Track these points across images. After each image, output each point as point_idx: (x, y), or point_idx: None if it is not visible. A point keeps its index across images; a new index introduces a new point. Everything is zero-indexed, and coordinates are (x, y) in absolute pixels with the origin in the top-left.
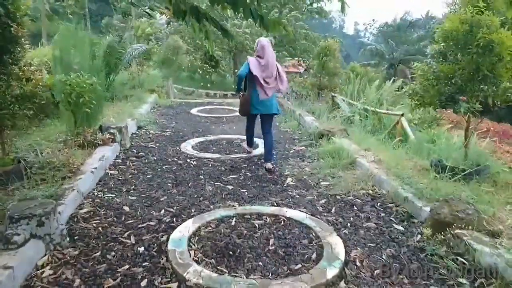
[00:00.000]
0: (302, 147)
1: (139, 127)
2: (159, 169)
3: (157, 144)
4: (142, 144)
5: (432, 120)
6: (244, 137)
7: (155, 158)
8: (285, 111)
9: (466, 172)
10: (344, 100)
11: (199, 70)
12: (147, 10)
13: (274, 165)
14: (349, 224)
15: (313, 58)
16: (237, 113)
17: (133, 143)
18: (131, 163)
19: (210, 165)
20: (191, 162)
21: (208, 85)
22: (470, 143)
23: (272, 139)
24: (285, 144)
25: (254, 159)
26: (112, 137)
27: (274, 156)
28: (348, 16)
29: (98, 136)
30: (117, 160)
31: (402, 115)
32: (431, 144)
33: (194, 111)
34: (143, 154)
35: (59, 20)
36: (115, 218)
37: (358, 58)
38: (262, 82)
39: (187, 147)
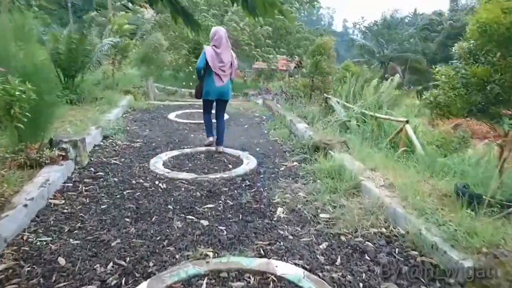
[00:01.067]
0: (295, 163)
1: (104, 137)
2: (118, 196)
3: (122, 160)
4: (104, 159)
5: (460, 141)
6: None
7: (116, 179)
8: (273, 115)
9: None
10: (338, 103)
11: (184, 68)
12: (123, 2)
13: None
14: (361, 286)
15: (306, 56)
16: None
17: (92, 158)
18: (84, 188)
19: (182, 189)
20: (160, 185)
21: (191, 84)
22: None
23: (224, 124)
24: (274, 158)
25: (237, 181)
26: (64, 153)
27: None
28: (337, 13)
29: (45, 152)
30: (66, 184)
31: (407, 122)
32: (444, 158)
33: (172, 116)
34: (102, 174)
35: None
36: (41, 279)
37: (347, 55)
38: (218, 70)
39: (157, 163)
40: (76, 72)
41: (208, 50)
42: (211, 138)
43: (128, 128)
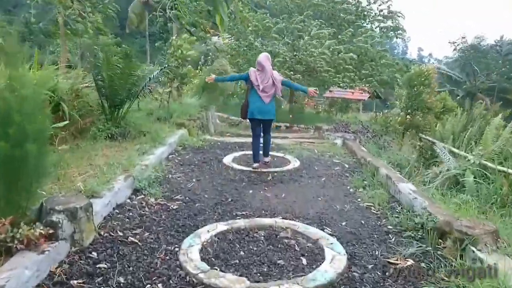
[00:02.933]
0: (409, 262)
1: (135, 191)
2: None
3: (145, 236)
4: (120, 234)
5: None
6: None
7: (122, 280)
8: (359, 164)
9: None
10: (445, 148)
11: None
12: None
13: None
14: None
15: (399, 87)
16: (291, 166)
17: (103, 232)
18: None
19: None
20: None
21: None
22: None
23: (269, 138)
24: (372, 245)
25: None
26: (52, 231)
27: None
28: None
29: (20, 230)
30: None
31: None
32: None
33: (228, 159)
34: (105, 266)
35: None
36: None
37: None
38: (261, 91)
39: (192, 250)
40: (121, 102)
41: (251, 71)
42: (257, 164)
43: (169, 176)
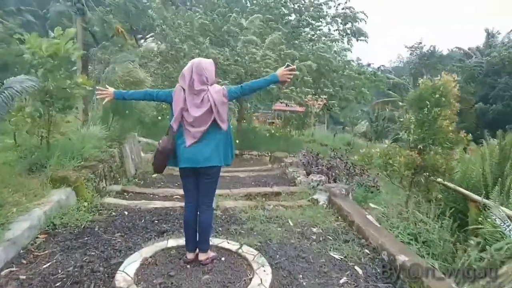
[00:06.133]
0: None
1: None
2: None
3: None
4: None
5: None
6: None
7: None
8: (380, 263)
9: None
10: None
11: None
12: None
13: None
14: None
15: (405, 108)
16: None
17: None
18: None
19: None
20: None
21: None
22: None
23: (209, 216)
24: None
25: None
26: None
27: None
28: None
29: None
30: None
31: None
32: None
33: (130, 270)
34: None
35: None
36: None
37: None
38: (188, 124)
39: None
40: None
41: (177, 88)
42: (191, 255)
43: None
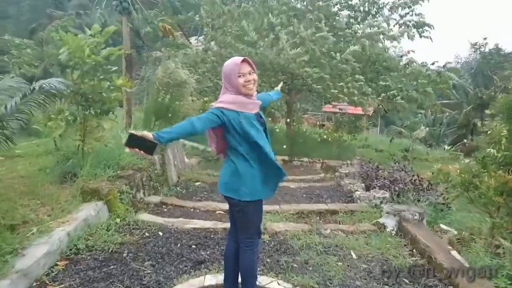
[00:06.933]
0: None
1: None
2: None
3: None
4: None
5: None
6: None
7: None
8: None
9: None
10: None
11: None
12: None
13: None
14: None
15: (494, 117)
16: None
17: None
18: None
19: None
20: None
21: None
22: None
23: (251, 258)
24: None
25: None
26: None
27: None
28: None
29: None
30: None
31: None
32: None
33: None
34: None
35: None
36: None
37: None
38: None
39: None
40: None
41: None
42: None
43: None
